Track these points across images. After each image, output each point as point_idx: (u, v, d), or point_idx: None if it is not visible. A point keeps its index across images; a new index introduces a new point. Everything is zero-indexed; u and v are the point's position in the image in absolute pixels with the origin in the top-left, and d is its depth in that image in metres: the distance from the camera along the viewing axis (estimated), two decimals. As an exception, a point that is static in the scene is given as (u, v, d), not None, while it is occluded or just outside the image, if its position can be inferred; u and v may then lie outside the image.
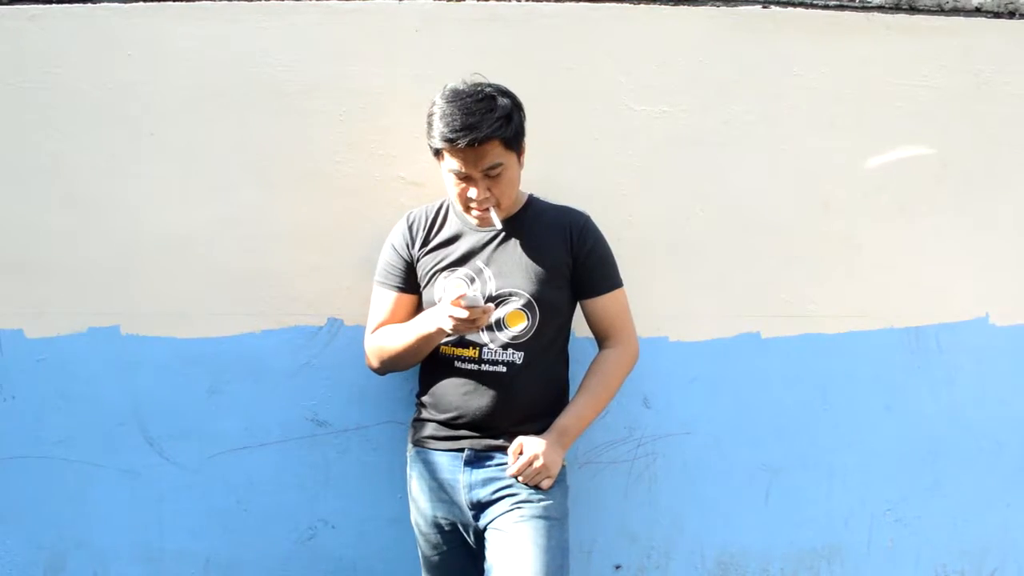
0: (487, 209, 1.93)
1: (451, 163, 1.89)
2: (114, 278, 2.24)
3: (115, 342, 2.24)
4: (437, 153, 1.92)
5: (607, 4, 2.29)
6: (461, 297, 1.78)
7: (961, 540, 2.48)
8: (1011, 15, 2.47)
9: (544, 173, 2.17)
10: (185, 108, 2.21)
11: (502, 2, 2.28)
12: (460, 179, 1.91)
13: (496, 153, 1.87)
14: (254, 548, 2.29)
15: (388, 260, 2.07)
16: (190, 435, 2.26)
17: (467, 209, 1.96)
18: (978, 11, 2.45)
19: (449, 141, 1.84)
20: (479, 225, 1.99)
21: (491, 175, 1.89)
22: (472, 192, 1.91)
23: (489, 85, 1.92)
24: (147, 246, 2.23)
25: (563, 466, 2.00)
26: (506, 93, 1.92)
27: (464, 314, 1.78)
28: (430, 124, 1.89)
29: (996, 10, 2.46)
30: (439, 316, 1.84)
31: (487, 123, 1.84)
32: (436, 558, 2.05)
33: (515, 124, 1.90)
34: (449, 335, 1.89)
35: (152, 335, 2.25)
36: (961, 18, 2.43)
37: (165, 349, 2.25)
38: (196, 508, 2.28)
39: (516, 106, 1.92)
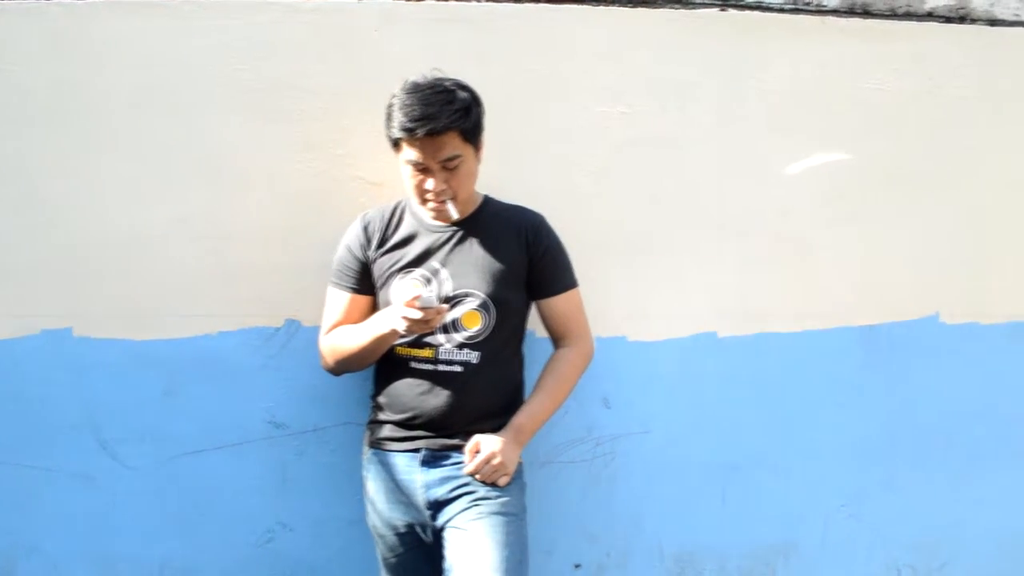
0: (443, 201, 1.93)
1: (409, 154, 1.90)
2: (67, 279, 2.20)
3: (68, 344, 2.20)
4: (396, 144, 1.93)
5: (567, 5, 2.30)
6: (415, 298, 1.78)
7: (912, 534, 2.53)
8: (961, 20, 2.53)
9: (503, 173, 2.17)
10: (139, 106, 2.18)
11: (462, 2, 2.27)
12: (418, 170, 1.91)
13: (454, 145, 1.89)
14: (211, 552, 2.27)
15: (343, 261, 2.06)
16: (145, 438, 2.23)
17: (423, 201, 1.96)
18: (930, 16, 2.50)
19: (408, 131, 1.86)
20: (435, 218, 1.99)
21: (449, 167, 1.90)
22: (429, 183, 1.91)
23: (449, 79, 1.94)
24: (101, 246, 2.20)
25: (520, 463, 2.01)
26: (465, 88, 1.94)
27: (418, 315, 1.78)
28: (389, 115, 1.91)
29: (947, 15, 2.52)
30: (393, 317, 1.84)
31: (446, 114, 1.86)
32: (394, 559, 2.04)
33: (473, 117, 1.92)
34: (403, 336, 1.89)
35: (106, 337, 2.21)
36: (913, 23, 2.48)
37: (119, 351, 2.21)
38: (151, 512, 2.24)
39: (475, 100, 1.94)
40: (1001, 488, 2.57)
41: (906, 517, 2.52)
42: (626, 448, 2.38)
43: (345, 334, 2.00)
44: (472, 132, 1.92)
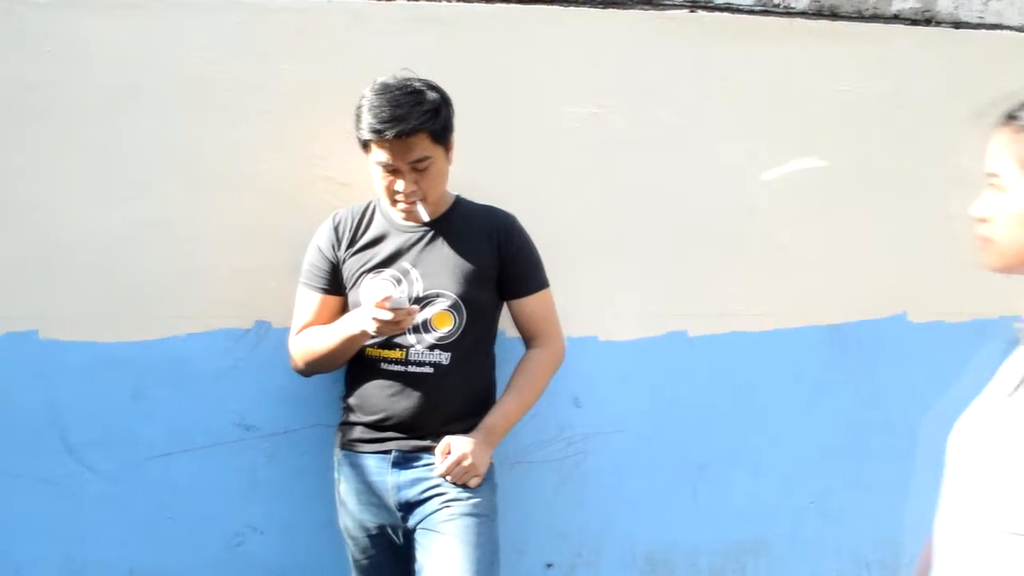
0: (413, 203, 1.92)
1: (379, 155, 1.89)
2: (31, 281, 2.16)
3: (33, 346, 2.17)
4: (365, 145, 1.92)
5: (538, 6, 2.30)
6: (386, 299, 1.78)
7: (880, 530, 2.56)
8: (927, 22, 2.56)
9: (474, 174, 2.16)
10: (108, 106, 2.15)
11: (432, 2, 2.27)
12: (387, 172, 1.91)
13: (424, 146, 1.88)
14: (180, 557, 2.24)
15: (313, 261, 2.05)
16: (112, 442, 2.20)
17: (393, 203, 1.95)
18: (896, 18, 2.53)
19: (377, 132, 1.85)
20: (405, 219, 1.98)
21: (418, 168, 1.89)
22: (399, 185, 1.91)
23: (419, 79, 1.93)
24: (68, 248, 2.16)
25: (491, 464, 2.01)
26: (435, 88, 1.93)
27: (388, 316, 1.78)
28: (358, 116, 1.90)
29: (913, 17, 2.55)
30: (363, 318, 1.83)
31: (415, 115, 1.85)
32: (366, 561, 2.04)
33: (443, 118, 1.91)
34: (374, 337, 1.88)
35: (73, 339, 2.18)
36: (880, 25, 2.51)
37: (86, 353, 2.18)
38: (118, 517, 2.22)
39: (445, 101, 1.93)
40: (967, 484, 2.61)
41: (874, 513, 2.55)
42: (597, 447, 2.39)
43: (315, 335, 1.99)
44: (442, 133, 1.91)
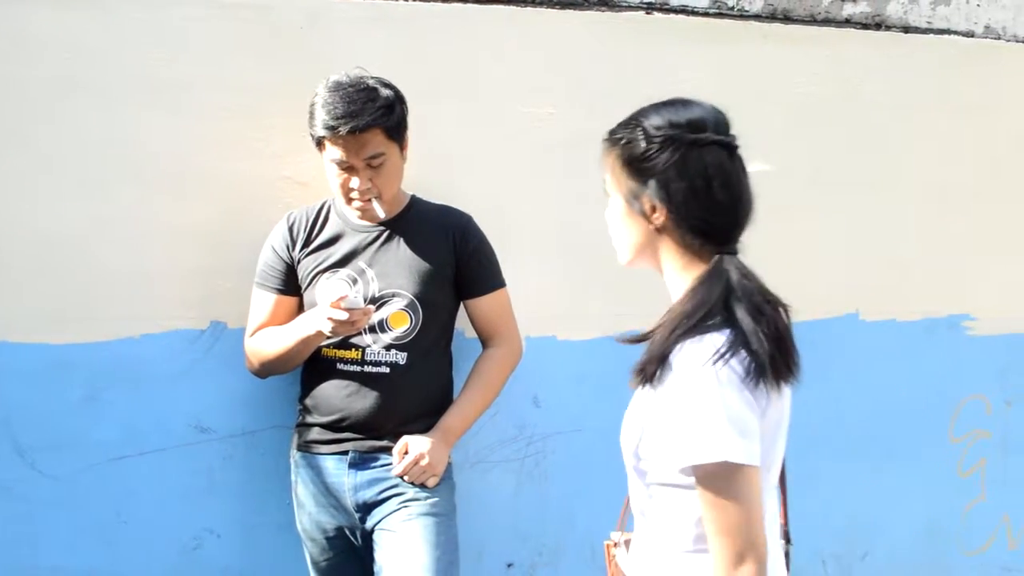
0: (369, 200, 1.92)
1: (333, 152, 1.89)
2: (-20, 283, 2.13)
3: (-18, 350, 2.13)
4: (319, 143, 1.92)
5: (495, 6, 2.31)
6: (341, 299, 1.77)
7: (836, 525, 2.61)
8: (878, 27, 2.62)
9: (431, 173, 2.17)
10: (56, 101, 2.10)
11: (389, 1, 2.27)
12: (342, 169, 1.91)
13: (378, 142, 1.89)
14: (136, 561, 2.21)
15: (268, 262, 2.04)
16: (64, 445, 2.15)
17: (349, 201, 1.95)
18: (848, 22, 2.58)
19: (331, 129, 1.85)
20: (361, 217, 1.98)
21: (373, 164, 1.90)
22: (354, 182, 1.91)
23: (372, 77, 1.94)
24: (16, 247, 2.12)
25: (449, 463, 2.01)
26: (388, 85, 1.94)
27: (343, 316, 1.77)
28: (312, 114, 1.90)
29: (865, 22, 2.60)
30: (318, 318, 1.83)
31: (368, 111, 1.86)
32: (324, 563, 2.03)
33: (397, 115, 1.92)
34: (329, 337, 1.88)
35: (22, 341, 2.13)
36: (832, 28, 2.56)
37: (37, 355, 2.13)
38: (72, 522, 2.18)
39: (399, 98, 1.94)
40: (919, 479, 2.67)
41: (830, 509, 2.59)
42: (557, 447, 2.40)
43: (270, 336, 1.98)
44: (396, 130, 1.92)
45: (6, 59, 2.09)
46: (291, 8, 2.20)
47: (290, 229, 2.03)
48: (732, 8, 2.47)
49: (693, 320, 1.20)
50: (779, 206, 2.48)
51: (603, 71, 2.36)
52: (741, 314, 1.19)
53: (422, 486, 1.94)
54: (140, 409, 2.18)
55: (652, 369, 1.21)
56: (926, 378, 2.67)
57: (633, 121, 1.29)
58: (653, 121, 1.26)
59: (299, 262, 2.01)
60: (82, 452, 2.17)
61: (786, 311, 1.25)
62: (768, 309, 1.21)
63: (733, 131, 1.29)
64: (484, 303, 2.05)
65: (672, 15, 2.41)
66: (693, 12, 2.43)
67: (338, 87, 1.89)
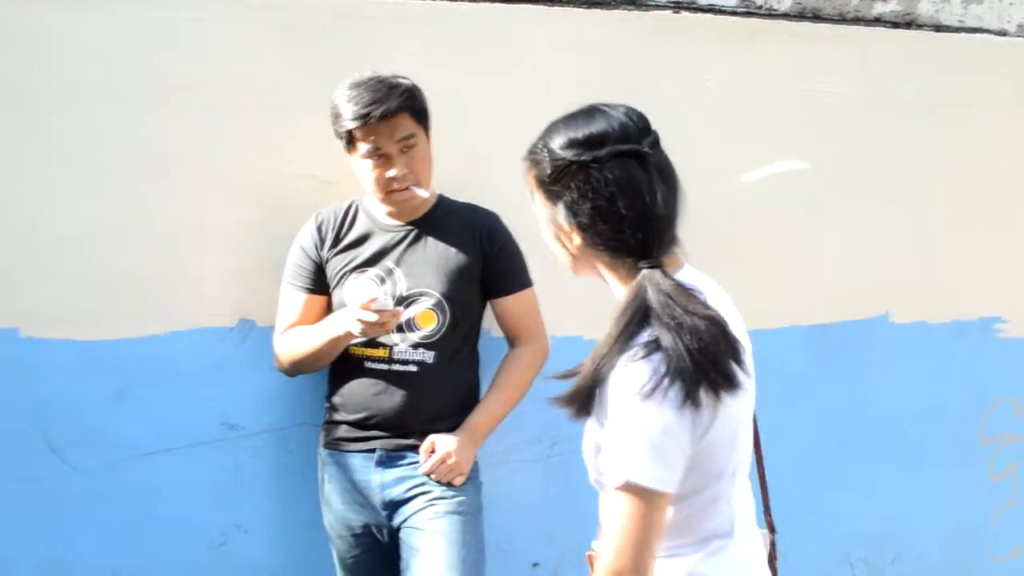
0: (408, 188, 1.93)
1: (365, 144, 1.92)
2: (14, 279, 2.14)
3: (14, 345, 2.15)
4: (350, 141, 1.93)
5: (522, 5, 2.31)
6: (372, 301, 1.78)
7: (865, 529, 2.58)
8: (908, 25, 2.59)
9: (458, 173, 2.17)
10: (85, 102, 2.12)
11: (416, 0, 2.27)
12: (377, 160, 1.92)
13: (408, 125, 1.93)
14: (164, 557, 2.23)
15: (297, 261, 2.05)
16: (95, 441, 2.18)
17: (388, 193, 1.95)
18: (878, 21, 2.56)
19: (362, 118, 1.88)
20: (399, 211, 1.98)
21: (406, 148, 1.92)
22: (391, 171, 1.92)
23: (387, 75, 1.98)
24: (47, 246, 2.14)
25: (475, 462, 2.01)
26: (405, 78, 1.98)
27: (373, 318, 1.79)
28: (337, 114, 1.93)
29: (895, 20, 2.58)
30: (348, 319, 1.84)
31: (395, 96, 1.91)
32: (351, 560, 2.04)
33: (420, 100, 1.96)
34: (358, 338, 1.89)
35: (54, 337, 2.16)
36: (862, 27, 2.53)
37: (68, 352, 2.16)
38: (102, 517, 2.20)
39: (417, 87, 1.98)
40: (949, 482, 2.64)
41: (859, 512, 2.57)
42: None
43: (300, 336, 1.99)
44: (422, 114, 1.96)
45: (40, 61, 2.12)
46: (316, 8, 2.21)
47: (318, 229, 2.05)
48: (760, 7, 2.45)
49: (618, 345, 1.16)
50: (808, 206, 2.48)
51: (631, 70, 2.35)
52: (661, 333, 1.14)
53: (449, 485, 1.94)
54: (169, 406, 2.20)
55: (581, 400, 1.21)
56: (956, 380, 2.64)
57: (541, 141, 1.26)
58: (556, 141, 1.23)
59: (327, 261, 2.02)
60: (112, 448, 2.19)
61: (713, 319, 1.17)
62: (691, 321, 1.14)
63: (653, 128, 1.25)
64: (511, 302, 2.05)
65: (700, 14, 2.40)
66: (721, 11, 2.42)
67: (358, 84, 1.94)
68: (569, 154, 1.20)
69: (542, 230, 1.32)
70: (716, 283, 1.36)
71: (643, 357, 1.14)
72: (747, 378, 1.21)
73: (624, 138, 1.20)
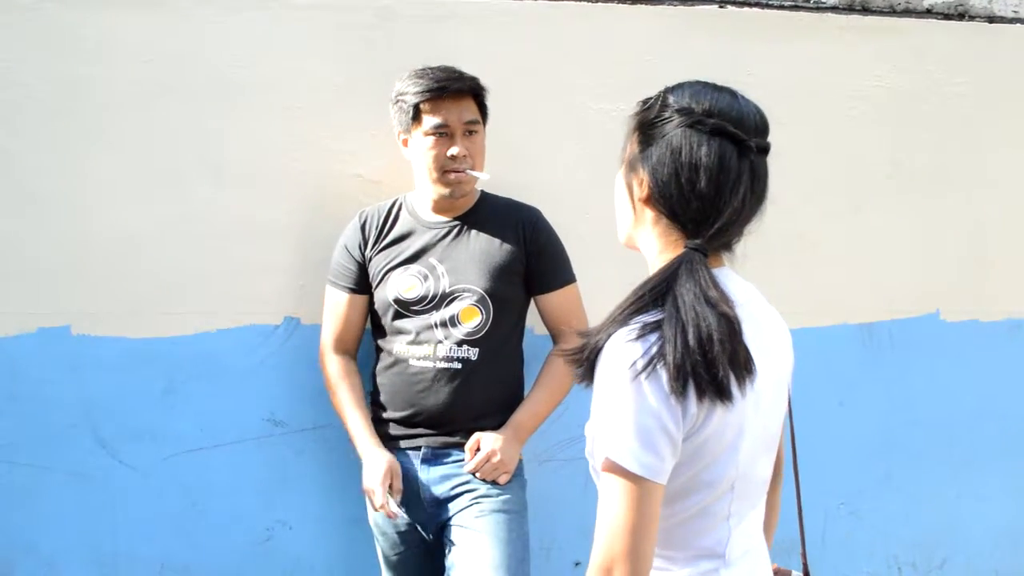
0: (464, 171, 1.94)
1: (431, 119, 1.93)
2: (64, 277, 2.18)
3: (65, 342, 2.19)
4: (415, 116, 1.93)
5: (566, 3, 2.30)
6: (391, 513, 1.89)
7: (912, 532, 2.53)
8: (961, 17, 2.53)
9: (502, 170, 2.15)
10: (136, 103, 2.17)
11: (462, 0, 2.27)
12: (439, 137, 1.93)
13: (474, 110, 1.97)
14: (210, 551, 2.26)
15: (340, 260, 2.07)
16: (143, 436, 2.22)
17: (445, 173, 1.95)
18: (929, 12, 2.50)
19: (433, 91, 1.91)
20: (454, 193, 1.97)
21: (469, 132, 1.95)
22: (453, 150, 1.93)
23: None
24: (98, 244, 2.19)
25: (520, 460, 2.01)
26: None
27: (378, 502, 1.90)
28: (403, 92, 1.95)
29: (947, 12, 2.52)
30: (368, 475, 1.94)
31: (466, 79, 1.96)
32: (395, 557, 2.04)
33: (485, 93, 2.00)
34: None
35: (104, 335, 2.20)
36: (913, 19, 2.48)
37: (117, 349, 2.20)
38: (149, 511, 2.23)
39: (483, 84, 2.01)
40: (1000, 485, 2.57)
41: (906, 515, 2.52)
42: (626, 445, 2.37)
43: (345, 393, 2.05)
44: (484, 107, 2.00)
45: (91, 63, 2.15)
46: (362, 8, 2.22)
47: (362, 227, 2.05)
48: (808, 0, 2.41)
49: (624, 316, 1.13)
50: (856, 201, 2.44)
51: (676, 67, 2.30)
52: (667, 319, 1.10)
53: (494, 483, 1.93)
54: (216, 402, 2.23)
55: (583, 364, 1.17)
56: (1008, 380, 2.57)
57: (663, 91, 1.23)
58: (677, 94, 1.20)
59: (370, 260, 2.03)
60: (160, 443, 2.22)
61: (728, 317, 1.11)
62: (703, 312, 1.10)
63: (769, 141, 1.20)
64: (554, 299, 2.04)
65: (746, 8, 2.37)
66: (768, 5, 2.38)
67: (427, 67, 1.97)
68: (682, 108, 1.18)
69: (617, 177, 1.30)
70: (760, 294, 1.31)
71: (639, 337, 1.10)
72: (750, 391, 1.14)
73: (738, 124, 1.17)
